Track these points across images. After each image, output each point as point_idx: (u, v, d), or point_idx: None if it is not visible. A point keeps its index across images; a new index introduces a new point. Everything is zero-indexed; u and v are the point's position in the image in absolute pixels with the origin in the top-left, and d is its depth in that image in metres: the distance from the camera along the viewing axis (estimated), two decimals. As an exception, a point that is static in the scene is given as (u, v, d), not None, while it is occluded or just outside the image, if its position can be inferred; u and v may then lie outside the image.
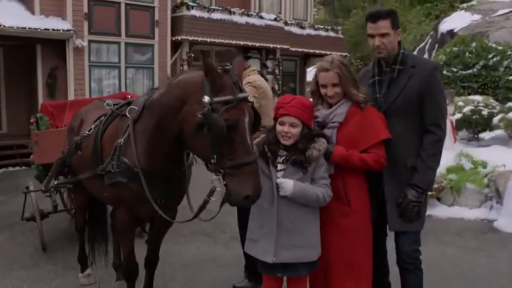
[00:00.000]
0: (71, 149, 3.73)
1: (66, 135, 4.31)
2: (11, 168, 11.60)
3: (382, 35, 2.88)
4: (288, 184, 2.63)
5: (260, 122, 2.63)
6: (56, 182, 4.43)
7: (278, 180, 2.65)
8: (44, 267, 4.80)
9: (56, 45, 13.00)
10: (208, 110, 2.37)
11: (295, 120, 2.71)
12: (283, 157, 2.73)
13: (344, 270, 2.79)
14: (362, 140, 2.78)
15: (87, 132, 3.51)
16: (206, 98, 2.40)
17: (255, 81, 4.04)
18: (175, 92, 2.65)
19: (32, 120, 5.91)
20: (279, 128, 2.75)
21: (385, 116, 2.89)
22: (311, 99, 2.95)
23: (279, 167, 2.74)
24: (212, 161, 2.43)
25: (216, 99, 2.41)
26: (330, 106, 2.89)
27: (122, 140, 2.98)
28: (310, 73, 23.87)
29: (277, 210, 2.70)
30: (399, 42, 2.97)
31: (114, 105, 3.42)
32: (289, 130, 2.71)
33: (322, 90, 2.87)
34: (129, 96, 5.15)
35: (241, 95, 2.45)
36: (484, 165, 6.87)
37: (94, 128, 3.46)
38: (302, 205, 2.70)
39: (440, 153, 2.94)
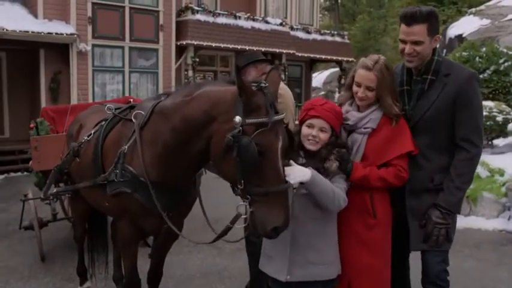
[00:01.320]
0: (68, 156, 3.51)
1: (66, 141, 4.10)
2: (12, 174, 11.43)
3: (415, 43, 2.57)
4: (304, 171, 2.37)
5: (294, 144, 2.42)
6: (55, 190, 4.23)
7: (290, 169, 2.35)
8: (42, 279, 4.62)
9: (59, 50, 12.87)
10: (239, 131, 2.15)
11: (326, 125, 2.50)
12: (302, 165, 2.49)
13: (368, 285, 2.58)
14: (388, 151, 2.56)
15: (85, 138, 3.29)
16: (238, 118, 2.17)
17: None
18: (203, 106, 2.37)
19: (31, 125, 5.71)
20: (305, 130, 2.52)
21: (413, 129, 2.63)
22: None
23: None
24: (239, 186, 2.21)
25: (249, 120, 2.18)
26: (358, 110, 2.66)
27: (127, 147, 2.75)
28: (316, 79, 23.73)
29: (290, 224, 2.48)
30: (434, 49, 2.65)
31: (115, 109, 3.20)
32: (317, 134, 2.49)
33: (355, 88, 2.61)
34: (131, 100, 4.94)
35: (276, 117, 2.20)
36: (501, 173, 6.61)
37: (94, 133, 3.24)
38: (317, 218, 2.48)
39: (472, 173, 2.66)
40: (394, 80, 2.62)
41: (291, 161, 2.37)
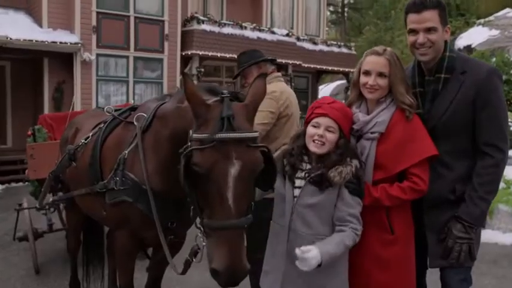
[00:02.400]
0: (64, 160, 3.27)
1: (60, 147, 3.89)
2: (14, 184, 11.23)
3: (429, 30, 2.31)
4: (313, 255, 2.04)
5: (274, 175, 2.04)
6: (51, 199, 4.02)
7: (299, 253, 2.06)
8: (34, 293, 4.37)
9: (63, 59, 12.74)
10: (185, 148, 1.88)
11: (334, 125, 2.23)
12: (305, 171, 2.25)
13: None
14: (403, 156, 2.26)
15: (83, 141, 3.06)
16: (190, 133, 1.91)
17: (272, 92, 3.10)
18: (182, 119, 2.14)
19: (29, 133, 5.52)
20: (311, 130, 2.26)
21: (430, 135, 2.35)
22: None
23: (297, 183, 2.26)
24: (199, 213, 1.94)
25: (194, 135, 1.89)
26: (368, 111, 2.39)
27: (127, 152, 2.53)
28: (322, 91, 23.54)
29: (288, 237, 2.25)
30: (446, 43, 2.39)
31: (115, 110, 2.98)
32: (324, 134, 2.22)
33: (364, 79, 2.34)
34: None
35: (225, 135, 1.81)
36: (518, 184, 6.34)
37: (92, 136, 3.01)
38: (319, 234, 2.20)
39: (498, 182, 2.37)
40: (403, 68, 2.37)
41: (300, 249, 2.06)
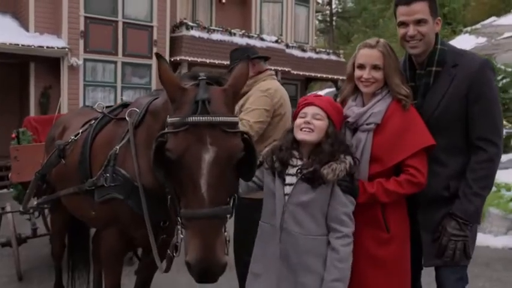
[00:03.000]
0: (52, 157, 3.14)
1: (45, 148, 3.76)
2: (-2, 191, 10.98)
3: (418, 22, 2.26)
4: None
5: (255, 162, 1.91)
6: (35, 203, 3.88)
7: None
8: (17, 300, 4.22)
9: (50, 64, 12.59)
10: (161, 133, 1.80)
11: (321, 112, 2.17)
12: (297, 167, 2.16)
13: None
14: (400, 148, 2.19)
15: (72, 137, 2.95)
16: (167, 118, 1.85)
17: (267, 90, 3.10)
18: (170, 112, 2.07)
19: (13, 135, 5.37)
20: (298, 121, 2.19)
21: None
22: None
23: (288, 180, 2.16)
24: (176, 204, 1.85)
25: (168, 120, 1.82)
26: (363, 105, 2.33)
27: (118, 147, 2.44)
28: (311, 98, 23.65)
29: (280, 238, 2.15)
30: (436, 35, 2.34)
31: (106, 107, 2.90)
32: (311, 121, 2.15)
33: (358, 73, 2.29)
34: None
35: (197, 118, 1.72)
36: (508, 187, 6.34)
37: (82, 132, 2.90)
38: (313, 235, 2.12)
39: (492, 177, 2.31)
40: (398, 59, 2.32)
41: None
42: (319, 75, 19.03)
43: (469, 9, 24.14)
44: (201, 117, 1.72)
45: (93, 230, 3.77)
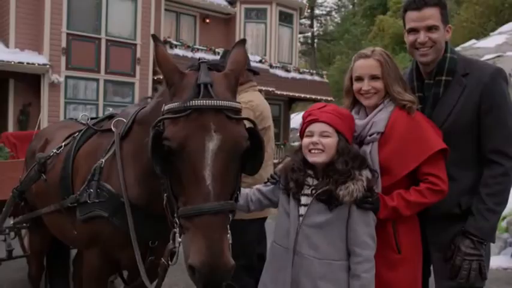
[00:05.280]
0: (32, 172, 2.93)
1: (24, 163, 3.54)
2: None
3: (429, 28, 2.16)
4: None
5: (262, 152, 1.71)
6: (12, 222, 3.65)
7: None
8: (-11, 327, 3.93)
9: (30, 80, 12.39)
10: (158, 122, 1.64)
11: (328, 128, 2.01)
12: (312, 187, 2.01)
13: None
14: (408, 157, 2.05)
15: (54, 151, 2.75)
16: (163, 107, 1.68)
17: (249, 102, 3.00)
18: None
19: (-11, 152, 5.11)
20: (305, 141, 2.04)
21: None
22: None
23: (303, 200, 2.02)
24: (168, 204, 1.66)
25: (166, 106, 1.64)
26: (366, 117, 2.19)
27: (104, 160, 2.25)
28: (293, 119, 23.61)
29: (292, 262, 2.00)
30: (446, 43, 2.24)
31: (91, 118, 2.72)
32: (319, 141, 2.00)
33: (357, 85, 2.18)
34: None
35: (200, 102, 1.55)
36: (499, 207, 6.26)
37: (65, 146, 2.71)
38: (329, 259, 1.98)
39: (508, 192, 2.18)
40: (397, 66, 2.20)
41: None
42: (302, 95, 19.11)
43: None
44: (204, 101, 1.55)
45: (74, 252, 3.54)
